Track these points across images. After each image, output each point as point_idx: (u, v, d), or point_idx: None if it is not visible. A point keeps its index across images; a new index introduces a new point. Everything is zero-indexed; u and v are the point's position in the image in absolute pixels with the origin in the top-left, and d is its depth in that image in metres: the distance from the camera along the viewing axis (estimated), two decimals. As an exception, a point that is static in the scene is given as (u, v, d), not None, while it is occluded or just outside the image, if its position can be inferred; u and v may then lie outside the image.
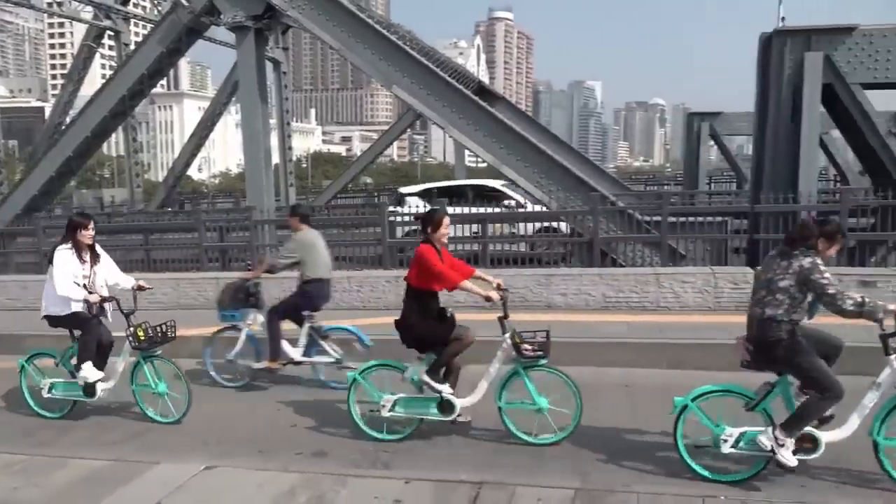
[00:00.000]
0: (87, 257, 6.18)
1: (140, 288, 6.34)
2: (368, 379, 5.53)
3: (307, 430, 5.82)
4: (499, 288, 5.36)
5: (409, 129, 41.57)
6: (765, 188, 11.56)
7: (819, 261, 4.35)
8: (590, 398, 5.36)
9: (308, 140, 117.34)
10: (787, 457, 4.25)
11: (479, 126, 13.93)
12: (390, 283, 9.82)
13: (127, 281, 6.43)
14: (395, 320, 5.56)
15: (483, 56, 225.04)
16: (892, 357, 4.24)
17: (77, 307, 6.06)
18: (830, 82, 11.74)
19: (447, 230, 5.50)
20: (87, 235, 6.14)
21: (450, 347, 5.31)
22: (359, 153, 59.58)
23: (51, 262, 6.12)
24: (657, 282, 9.13)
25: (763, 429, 4.37)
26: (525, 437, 5.22)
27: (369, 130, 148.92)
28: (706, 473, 4.49)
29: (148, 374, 6.11)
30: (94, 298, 6.05)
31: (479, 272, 5.60)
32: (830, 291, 4.21)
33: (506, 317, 5.31)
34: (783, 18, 14.28)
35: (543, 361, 5.22)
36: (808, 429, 4.33)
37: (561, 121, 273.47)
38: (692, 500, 4.05)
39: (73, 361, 6.26)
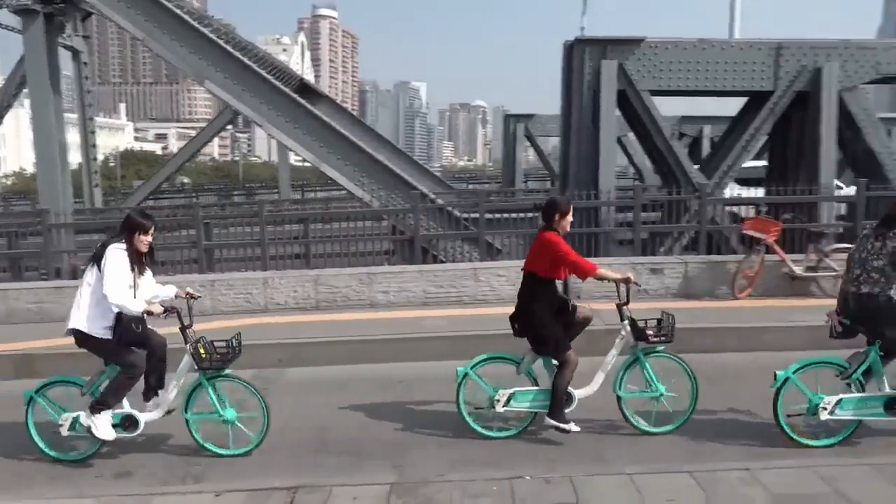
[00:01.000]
0: (137, 266, 5.02)
1: (190, 296, 5.22)
2: (478, 373, 5.26)
3: (108, 451, 5.34)
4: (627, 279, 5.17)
5: (230, 127, 39.82)
6: (570, 186, 12.44)
7: None
8: (414, 392, 5.44)
9: (117, 137, 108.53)
10: None
11: (297, 124, 13.68)
12: (205, 288, 9.34)
13: (167, 291, 5.30)
14: (513, 314, 5.32)
15: (308, 54, 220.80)
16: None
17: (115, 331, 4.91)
18: (624, 88, 12.87)
19: (571, 219, 5.28)
20: (144, 241, 5.02)
21: (566, 373, 5.05)
22: (175, 151, 56.11)
23: (98, 262, 4.90)
24: (475, 276, 9.48)
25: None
26: (643, 427, 5.09)
27: (187, 128, 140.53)
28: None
29: (213, 398, 5.07)
30: (157, 310, 4.92)
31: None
32: None
33: (625, 303, 5.17)
34: (583, 28, 15.43)
35: (661, 348, 5.13)
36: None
37: (387, 121, 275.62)
38: (501, 482, 4.23)
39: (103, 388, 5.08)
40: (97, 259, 4.91)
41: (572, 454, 4.77)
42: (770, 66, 13.05)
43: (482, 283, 9.45)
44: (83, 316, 4.90)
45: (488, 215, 11.98)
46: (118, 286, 4.78)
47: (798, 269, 9.04)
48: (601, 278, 5.17)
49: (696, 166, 14.75)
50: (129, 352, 4.96)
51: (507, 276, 9.42)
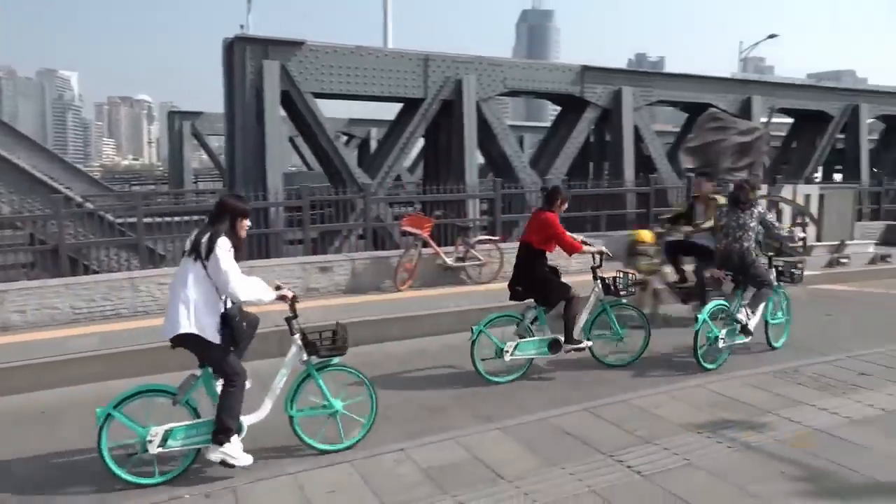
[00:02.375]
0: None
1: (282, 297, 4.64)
2: (489, 330, 6.12)
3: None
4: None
5: None
6: (237, 186, 12.15)
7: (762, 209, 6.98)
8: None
9: None
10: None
11: None
12: None
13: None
14: (512, 279, 6.38)
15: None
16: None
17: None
18: (288, 89, 12.96)
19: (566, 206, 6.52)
20: (245, 227, 4.58)
21: (574, 306, 6.23)
22: None
23: (208, 252, 4.31)
24: (133, 286, 8.70)
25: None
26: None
27: None
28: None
29: (325, 389, 4.73)
30: (290, 293, 4.65)
31: None
32: (774, 224, 6.94)
33: (599, 266, 6.60)
34: (242, 26, 15.14)
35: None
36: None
37: (31, 113, 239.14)
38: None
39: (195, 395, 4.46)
40: (197, 251, 4.36)
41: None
42: (420, 75, 14.30)
43: (142, 294, 8.72)
44: (194, 318, 4.33)
45: (153, 219, 11.10)
46: (241, 280, 4.39)
47: (449, 261, 10.05)
48: (585, 252, 6.42)
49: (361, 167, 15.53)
50: (234, 358, 4.50)
51: (169, 283, 8.82)
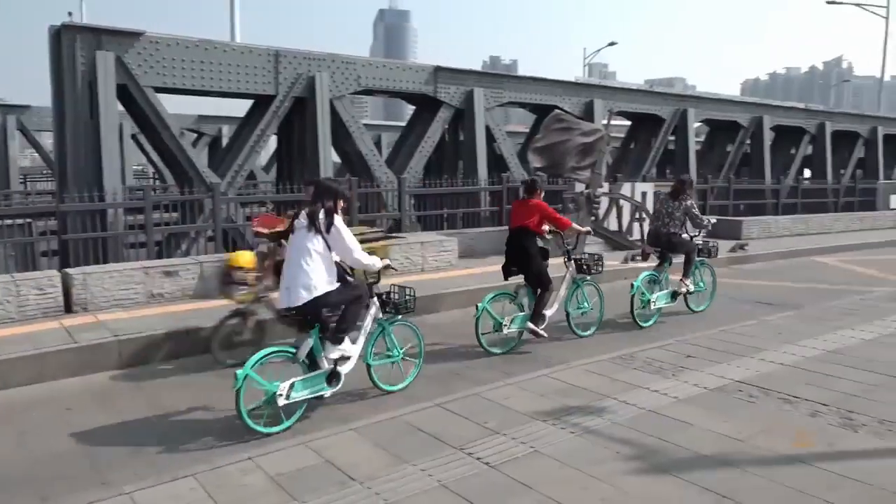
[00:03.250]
0: None
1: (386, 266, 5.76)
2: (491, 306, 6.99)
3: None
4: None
5: None
6: (69, 186, 11.20)
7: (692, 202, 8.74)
8: None
9: None
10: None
11: None
12: None
13: None
14: (506, 262, 7.34)
15: None
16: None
17: None
18: (125, 83, 12.11)
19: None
20: (341, 207, 5.39)
21: (546, 296, 7.23)
22: None
23: (328, 227, 5.14)
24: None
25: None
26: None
27: None
28: None
29: (395, 340, 5.89)
30: (386, 262, 5.70)
31: None
32: (699, 215, 8.71)
33: (574, 248, 8.06)
34: (70, 13, 13.97)
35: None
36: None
37: None
38: None
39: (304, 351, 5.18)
40: (315, 225, 5.12)
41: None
42: (271, 71, 13.87)
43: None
44: (321, 281, 5.11)
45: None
46: (360, 250, 5.33)
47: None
48: (572, 231, 7.64)
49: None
50: (352, 286, 5.46)
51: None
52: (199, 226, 11.94)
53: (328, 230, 5.13)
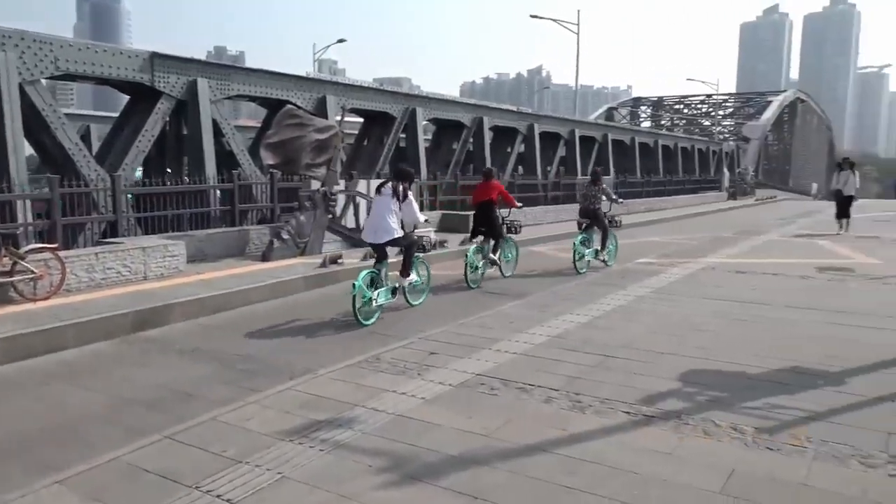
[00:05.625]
0: None
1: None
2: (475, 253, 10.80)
3: None
4: None
5: None
6: None
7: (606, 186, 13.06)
8: None
9: None
10: None
11: None
12: None
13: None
14: (477, 224, 11.18)
15: None
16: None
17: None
18: None
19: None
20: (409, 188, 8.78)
21: (501, 244, 11.36)
22: None
23: (405, 196, 8.55)
24: None
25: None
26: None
27: None
28: None
29: (421, 269, 9.49)
30: (426, 217, 9.60)
31: None
32: (611, 194, 13.07)
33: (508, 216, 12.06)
34: None
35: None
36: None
37: None
38: None
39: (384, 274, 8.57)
40: (396, 193, 8.49)
41: None
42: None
43: None
44: (395, 228, 8.48)
45: None
46: (419, 212, 8.97)
47: (-9, 277, 8.23)
48: (518, 206, 11.81)
49: None
50: (408, 235, 9.16)
51: None
52: None
53: (404, 199, 8.53)
